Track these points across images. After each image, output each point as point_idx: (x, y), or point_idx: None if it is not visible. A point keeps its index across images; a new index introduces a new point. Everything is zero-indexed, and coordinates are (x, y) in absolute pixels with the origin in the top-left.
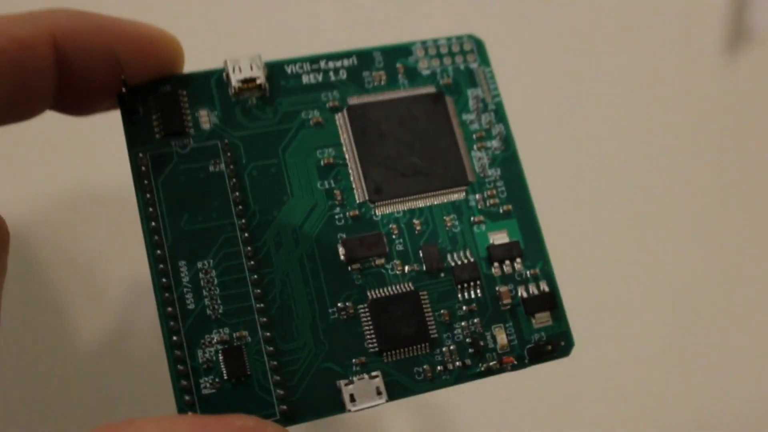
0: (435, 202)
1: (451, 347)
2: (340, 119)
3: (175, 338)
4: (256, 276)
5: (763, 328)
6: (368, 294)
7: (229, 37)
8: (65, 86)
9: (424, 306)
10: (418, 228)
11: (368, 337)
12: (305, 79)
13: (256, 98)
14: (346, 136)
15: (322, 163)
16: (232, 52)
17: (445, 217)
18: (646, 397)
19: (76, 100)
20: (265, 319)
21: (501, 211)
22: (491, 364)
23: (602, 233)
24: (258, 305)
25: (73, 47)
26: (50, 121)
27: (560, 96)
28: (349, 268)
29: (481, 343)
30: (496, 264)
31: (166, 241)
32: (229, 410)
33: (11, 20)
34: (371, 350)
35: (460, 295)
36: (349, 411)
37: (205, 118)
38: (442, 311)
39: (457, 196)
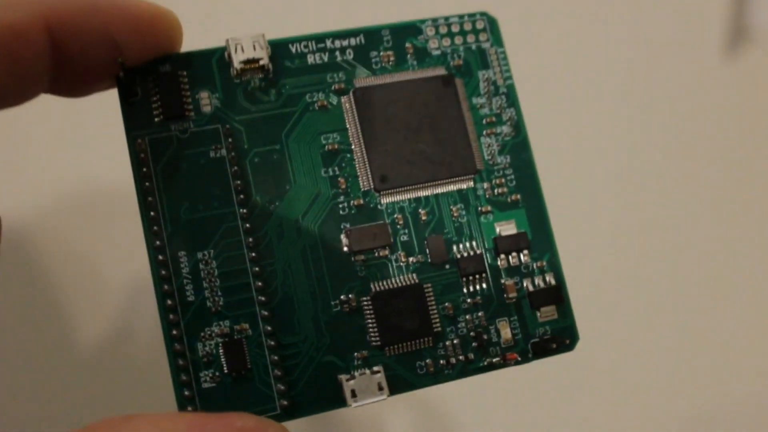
0: (442, 191)
1: (455, 341)
2: (346, 102)
3: (174, 331)
4: (257, 268)
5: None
6: (371, 286)
7: (229, 10)
8: (61, 70)
9: (428, 299)
10: (424, 218)
11: (371, 330)
12: (310, 59)
13: (259, 79)
14: (351, 121)
15: (326, 149)
16: (232, 27)
17: (451, 207)
18: (650, 392)
19: (72, 83)
20: (266, 312)
21: (509, 200)
22: (495, 360)
23: (609, 225)
24: (259, 297)
25: (68, 31)
26: (48, 116)
27: (566, 86)
28: (353, 259)
29: (485, 337)
30: (502, 256)
31: (165, 231)
32: (229, 405)
33: (2, 5)
34: (373, 344)
35: (465, 288)
36: (350, 407)
37: (206, 101)
38: (446, 304)
39: (464, 184)
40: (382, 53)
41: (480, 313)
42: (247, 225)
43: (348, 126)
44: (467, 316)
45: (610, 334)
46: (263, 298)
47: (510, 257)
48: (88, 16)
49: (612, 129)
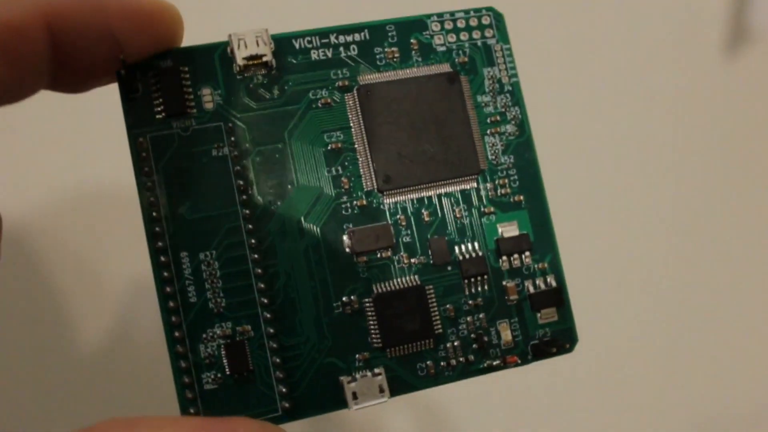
0: (445, 191)
1: (456, 343)
2: (350, 100)
3: (177, 334)
4: (260, 270)
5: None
6: (374, 288)
7: (229, 1)
8: (61, 66)
9: (429, 301)
10: (427, 219)
11: (372, 332)
12: (314, 55)
13: (262, 76)
14: (355, 119)
15: (329, 147)
16: (232, 19)
17: (454, 208)
18: (649, 393)
19: (72, 79)
20: (268, 314)
21: (512, 201)
22: (495, 363)
23: (611, 224)
24: (261, 299)
25: (68, 28)
26: (49, 114)
27: (566, 84)
28: (355, 261)
29: (486, 339)
30: (504, 257)
31: (167, 231)
32: (231, 406)
33: (2, 2)
34: (375, 345)
35: (466, 290)
36: (351, 409)
37: (209, 98)
38: (447, 306)
39: (467, 185)
40: (386, 49)
41: (481, 315)
42: (250, 226)
43: (351, 124)
44: (468, 318)
45: (611, 336)
46: (266, 300)
47: (512, 259)
48: (89, 12)
49: (611, 129)
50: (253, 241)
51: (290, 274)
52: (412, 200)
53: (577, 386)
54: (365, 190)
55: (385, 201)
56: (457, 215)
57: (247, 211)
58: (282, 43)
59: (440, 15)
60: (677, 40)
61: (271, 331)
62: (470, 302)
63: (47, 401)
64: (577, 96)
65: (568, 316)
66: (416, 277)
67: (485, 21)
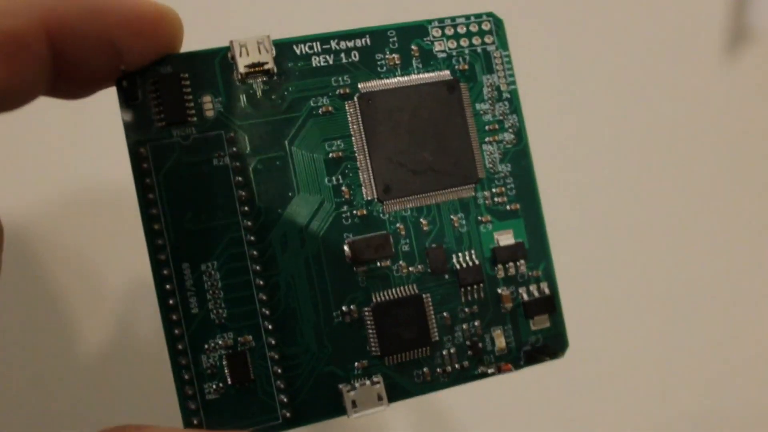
0: (443, 200)
1: (451, 350)
2: (351, 108)
3: (179, 346)
4: (261, 281)
5: (761, 332)
6: (373, 297)
7: (228, 5)
8: (60, 74)
9: (426, 309)
10: (425, 227)
11: (371, 340)
12: (315, 62)
13: (263, 82)
14: (356, 128)
15: (330, 156)
16: (232, 24)
17: (452, 216)
18: (640, 398)
19: (71, 86)
20: (269, 325)
21: (508, 209)
22: (489, 370)
23: (603, 232)
24: (263, 310)
25: (68, 36)
26: (49, 116)
27: (562, 88)
28: (355, 270)
29: (480, 345)
30: (499, 266)
31: (168, 242)
32: (233, 416)
33: (1, 11)
34: (373, 353)
35: (462, 298)
36: (350, 417)
37: (209, 105)
38: (444, 314)
39: (465, 193)
40: (387, 56)
41: (476, 322)
42: (251, 237)
43: (352, 133)
44: (464, 326)
45: (603, 341)
46: (267, 311)
47: (507, 267)
48: (89, 19)
49: (610, 128)
50: (254, 252)
51: (291, 285)
52: (412, 209)
53: (574, 389)
54: (366, 199)
55: (385, 210)
56: (455, 224)
57: (249, 223)
58: (283, 48)
59: (441, 20)
60: (677, 40)
61: (272, 341)
62: (466, 310)
63: (45, 406)
64: (574, 102)
65: (560, 323)
66: (414, 285)
67: (485, 27)
